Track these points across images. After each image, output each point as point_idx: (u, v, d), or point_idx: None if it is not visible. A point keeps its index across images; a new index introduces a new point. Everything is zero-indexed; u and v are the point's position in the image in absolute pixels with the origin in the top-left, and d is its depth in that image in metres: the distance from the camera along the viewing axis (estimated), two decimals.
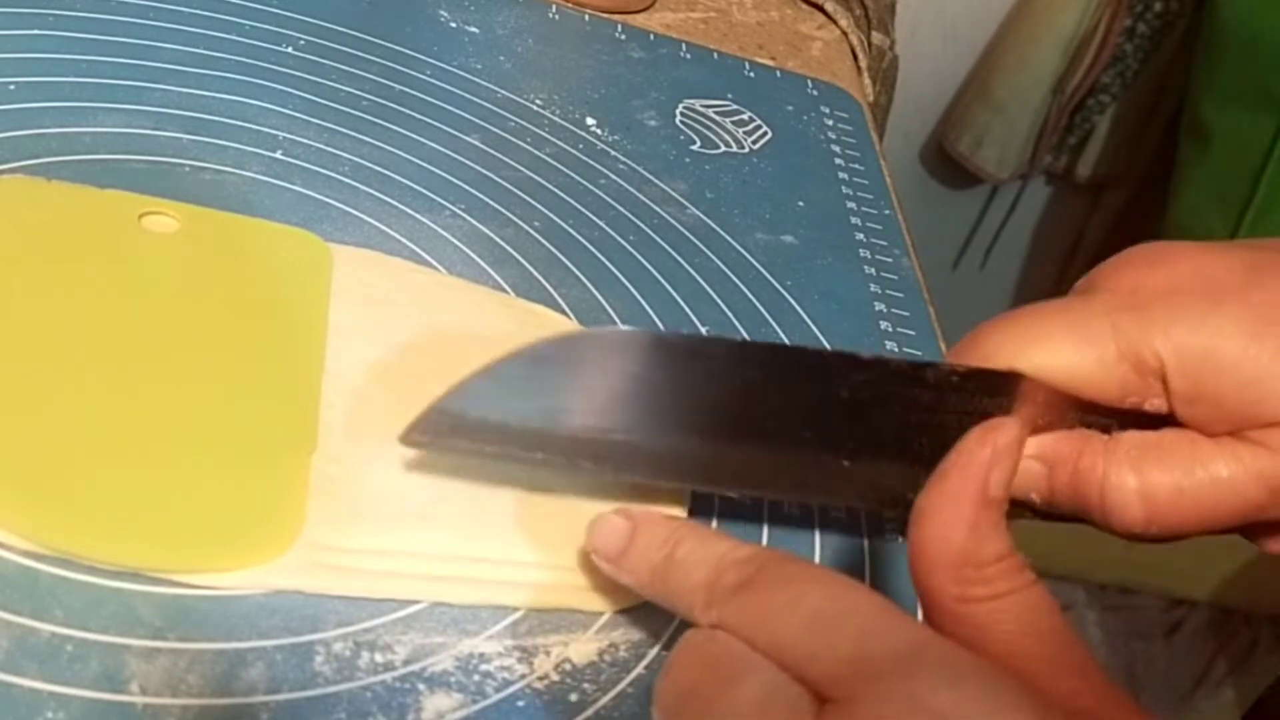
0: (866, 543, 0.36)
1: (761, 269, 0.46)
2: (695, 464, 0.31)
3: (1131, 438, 0.31)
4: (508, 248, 0.42)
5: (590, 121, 0.52)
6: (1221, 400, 0.30)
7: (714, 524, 0.35)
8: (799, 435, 0.31)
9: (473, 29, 0.55)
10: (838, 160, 0.56)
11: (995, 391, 0.31)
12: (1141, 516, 0.31)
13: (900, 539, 0.36)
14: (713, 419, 0.31)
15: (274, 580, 0.29)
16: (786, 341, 0.43)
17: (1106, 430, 0.32)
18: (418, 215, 0.42)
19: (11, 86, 0.40)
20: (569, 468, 0.31)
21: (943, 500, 0.25)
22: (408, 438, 0.30)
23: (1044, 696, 0.22)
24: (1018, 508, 0.32)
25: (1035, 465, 0.32)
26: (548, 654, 0.30)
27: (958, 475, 0.25)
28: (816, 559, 0.35)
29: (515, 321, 0.39)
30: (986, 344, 0.31)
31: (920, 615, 0.35)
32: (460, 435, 0.30)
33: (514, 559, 0.31)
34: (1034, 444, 0.32)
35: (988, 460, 0.24)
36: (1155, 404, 0.31)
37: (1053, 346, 0.30)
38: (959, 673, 0.22)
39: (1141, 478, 0.30)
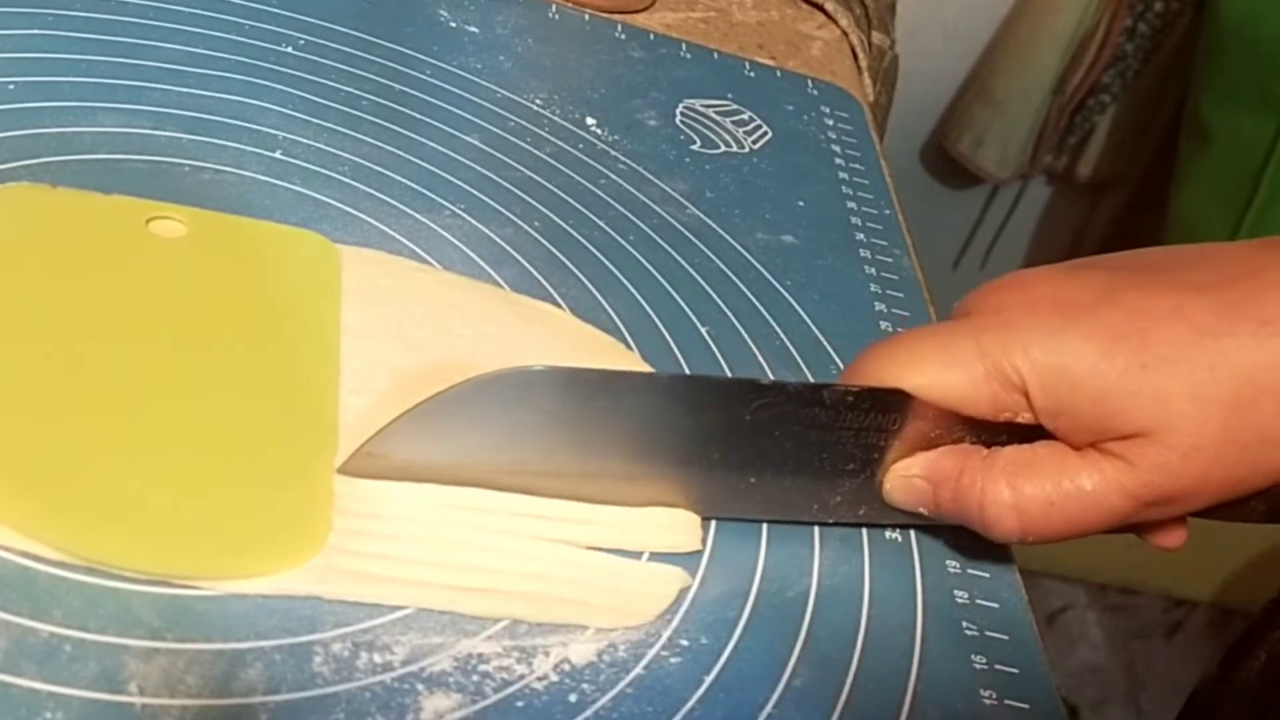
0: (866, 541, 0.36)
1: (761, 269, 0.46)
2: (610, 488, 0.33)
3: (1006, 453, 0.33)
4: (508, 248, 0.42)
5: (590, 121, 0.52)
6: (1078, 414, 0.32)
7: (713, 525, 0.35)
8: (707, 457, 0.33)
9: (473, 29, 0.55)
10: (838, 160, 0.56)
11: (887, 409, 0.33)
12: (1017, 528, 0.33)
13: (899, 538, 0.36)
14: (625, 446, 0.32)
15: (301, 586, 0.29)
16: (786, 342, 0.43)
17: (988, 444, 0.34)
18: (418, 215, 0.42)
19: (11, 86, 0.40)
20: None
21: None
22: (344, 471, 0.31)
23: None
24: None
25: (922, 483, 0.34)
26: (546, 654, 0.30)
27: None
28: (816, 557, 0.35)
29: (522, 318, 0.39)
30: (869, 368, 0.33)
31: (921, 603, 0.35)
32: (389, 476, 0.31)
33: (516, 570, 0.31)
34: (920, 463, 0.34)
35: None
36: (1025, 417, 0.33)
37: (925, 368, 0.33)
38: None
39: (1015, 492, 0.32)
